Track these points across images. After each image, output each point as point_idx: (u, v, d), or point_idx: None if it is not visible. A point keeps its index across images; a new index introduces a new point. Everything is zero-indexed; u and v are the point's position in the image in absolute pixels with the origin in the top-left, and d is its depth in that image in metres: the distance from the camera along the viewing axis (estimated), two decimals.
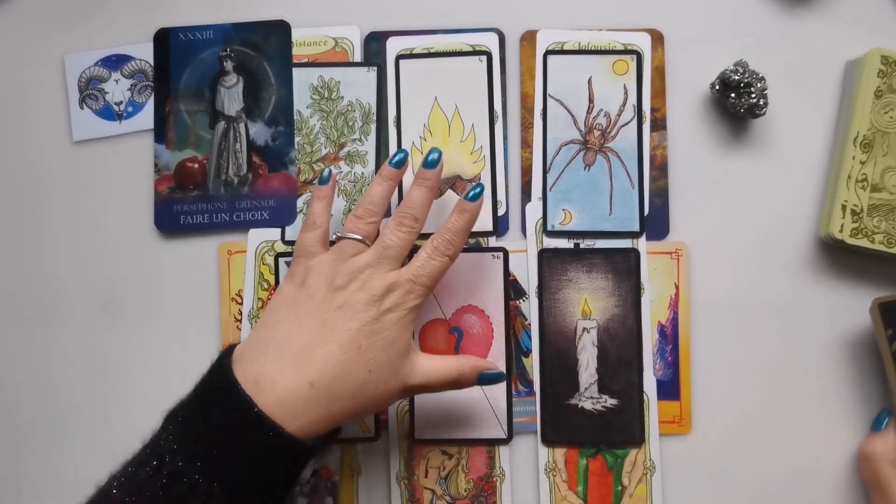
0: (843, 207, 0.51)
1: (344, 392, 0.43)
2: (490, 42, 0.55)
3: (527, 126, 0.55)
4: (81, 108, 0.56)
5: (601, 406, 0.53)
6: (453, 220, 0.48)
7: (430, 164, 0.49)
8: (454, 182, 0.54)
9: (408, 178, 0.53)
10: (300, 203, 0.55)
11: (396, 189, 0.51)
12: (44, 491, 0.55)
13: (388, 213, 0.51)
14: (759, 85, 0.52)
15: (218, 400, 0.42)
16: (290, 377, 0.42)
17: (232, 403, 0.41)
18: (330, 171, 0.50)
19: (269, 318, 0.46)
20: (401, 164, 0.50)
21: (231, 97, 0.55)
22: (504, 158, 0.55)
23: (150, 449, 0.41)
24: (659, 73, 0.55)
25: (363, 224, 0.48)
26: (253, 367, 0.43)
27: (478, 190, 0.48)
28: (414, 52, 0.55)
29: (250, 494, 0.41)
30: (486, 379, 0.49)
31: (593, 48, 0.55)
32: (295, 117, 0.55)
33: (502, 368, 0.53)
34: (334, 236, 0.49)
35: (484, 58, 0.55)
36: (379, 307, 0.44)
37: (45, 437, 0.55)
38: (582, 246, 0.54)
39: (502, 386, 0.53)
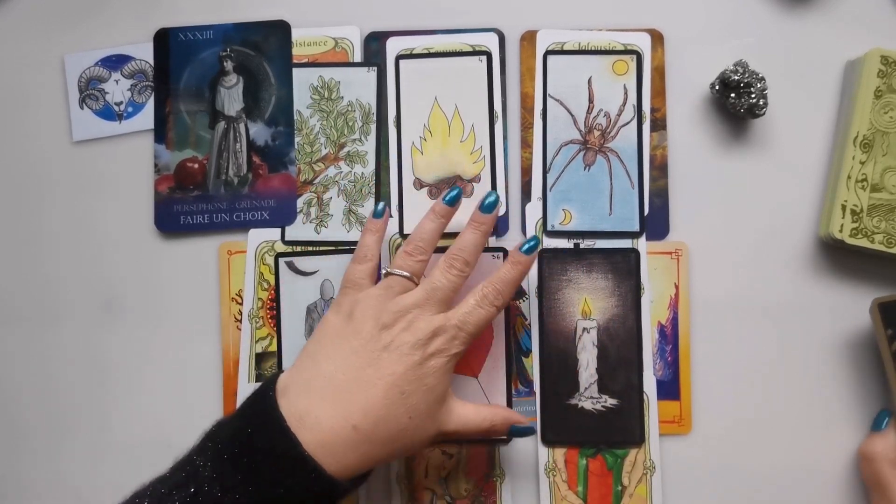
0: (843, 207, 0.51)
1: (384, 437, 0.43)
2: (490, 42, 0.55)
3: (527, 126, 0.55)
4: (81, 108, 0.56)
5: (601, 406, 0.53)
6: (506, 270, 0.48)
7: (488, 207, 0.49)
8: (454, 182, 0.54)
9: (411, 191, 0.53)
10: (300, 203, 0.55)
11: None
12: (43, 491, 0.55)
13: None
14: (759, 85, 0.52)
15: (262, 433, 0.41)
16: (335, 418, 0.42)
17: (276, 439, 0.41)
18: (385, 206, 0.50)
19: (315, 352, 0.45)
20: (454, 202, 0.49)
21: (231, 97, 0.55)
22: (504, 158, 0.55)
23: (187, 473, 0.40)
24: (659, 73, 0.55)
25: (412, 261, 0.47)
26: (298, 403, 0.42)
27: (530, 245, 0.48)
28: (414, 52, 0.55)
29: None
30: (516, 432, 0.49)
31: (593, 48, 0.55)
32: (295, 117, 0.55)
33: (502, 368, 0.53)
34: (383, 271, 0.48)
35: (484, 58, 0.55)
36: (424, 351, 0.44)
37: (45, 437, 0.55)
38: (582, 246, 0.54)
39: (502, 386, 0.53)
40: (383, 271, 0.48)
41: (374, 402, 0.42)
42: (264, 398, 0.43)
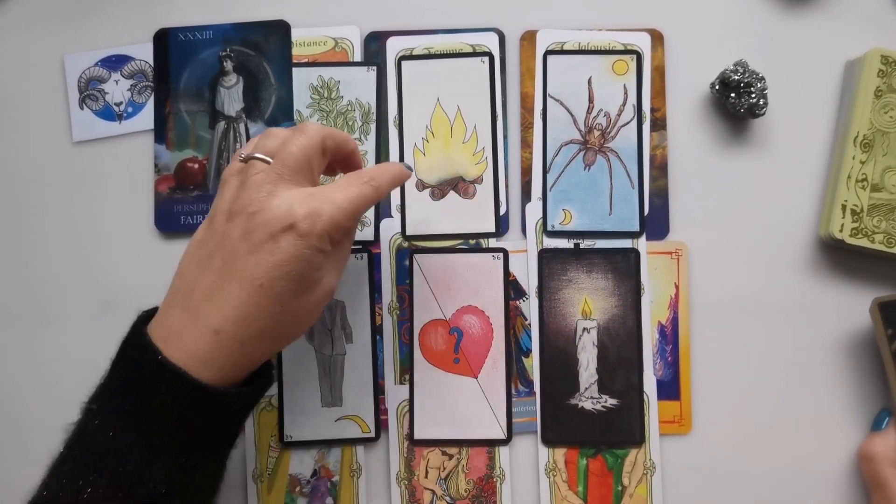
0: (843, 207, 0.51)
1: (255, 331, 0.39)
2: (490, 42, 0.55)
3: (527, 126, 0.55)
4: (81, 108, 0.56)
5: (601, 406, 0.53)
6: (382, 165, 0.46)
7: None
8: (456, 183, 0.54)
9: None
10: None
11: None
12: None
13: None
14: (759, 85, 0.52)
15: (129, 355, 0.41)
16: (194, 328, 0.39)
17: (138, 355, 0.40)
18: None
19: (181, 266, 0.42)
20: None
21: (231, 97, 0.55)
22: (504, 158, 0.55)
23: (81, 414, 0.41)
24: (659, 73, 0.55)
25: (270, 141, 0.42)
26: (163, 321, 0.41)
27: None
28: (414, 52, 0.55)
29: (171, 447, 0.39)
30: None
31: (593, 48, 0.55)
32: (295, 117, 0.55)
33: (502, 368, 0.53)
34: (239, 159, 0.43)
35: (486, 59, 0.55)
36: (271, 227, 0.39)
37: (44, 438, 0.55)
38: (582, 246, 0.54)
39: (502, 386, 0.53)
40: (240, 157, 0.43)
41: (232, 300, 0.39)
42: (133, 325, 0.42)
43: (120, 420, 0.39)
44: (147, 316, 0.43)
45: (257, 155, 0.42)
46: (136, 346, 0.40)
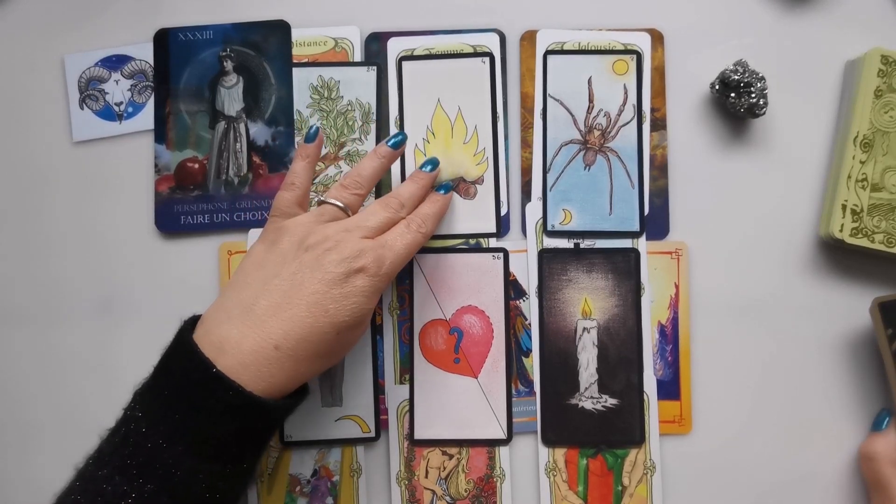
0: (843, 207, 0.51)
1: (310, 353, 0.43)
2: (490, 42, 0.55)
3: (527, 126, 0.55)
4: (81, 108, 0.56)
5: (601, 406, 0.53)
6: (426, 206, 0.50)
7: (428, 169, 0.52)
8: (457, 183, 0.54)
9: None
10: None
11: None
12: (47, 489, 0.55)
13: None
14: (759, 85, 0.52)
15: (179, 367, 0.42)
16: (255, 340, 0.42)
17: (192, 365, 0.41)
18: (317, 128, 0.50)
19: (236, 281, 0.45)
20: (398, 146, 0.51)
21: (231, 97, 0.55)
22: (504, 158, 0.55)
23: (119, 421, 0.41)
24: (659, 73, 0.55)
25: (348, 194, 0.48)
26: (218, 331, 0.42)
27: (445, 189, 0.52)
28: (415, 52, 0.55)
29: (218, 456, 0.41)
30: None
31: (593, 48, 0.55)
32: (295, 117, 0.55)
33: (503, 368, 0.53)
34: (317, 199, 0.49)
35: (487, 59, 0.55)
36: (349, 266, 0.44)
37: (49, 437, 0.55)
38: (582, 246, 0.54)
39: (503, 386, 0.53)
40: (316, 200, 0.48)
41: (297, 321, 0.42)
42: (181, 334, 0.43)
43: (170, 429, 0.40)
44: (192, 324, 0.44)
45: (333, 202, 0.47)
46: (187, 356, 0.42)
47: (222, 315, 0.43)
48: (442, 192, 0.51)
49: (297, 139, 0.55)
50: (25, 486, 0.55)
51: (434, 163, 0.52)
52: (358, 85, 0.55)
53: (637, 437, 0.53)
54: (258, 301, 0.43)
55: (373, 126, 0.55)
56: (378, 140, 0.55)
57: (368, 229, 0.46)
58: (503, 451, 0.53)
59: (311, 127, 0.51)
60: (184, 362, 0.42)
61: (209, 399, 0.40)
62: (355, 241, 0.45)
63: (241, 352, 0.41)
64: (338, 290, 0.43)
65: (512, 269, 0.54)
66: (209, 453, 0.40)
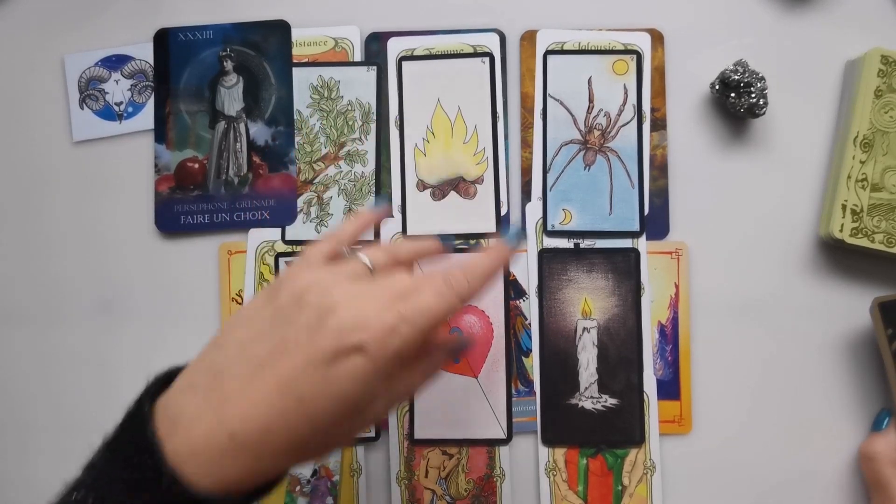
0: (843, 207, 0.51)
1: (274, 449, 0.33)
2: (490, 42, 0.55)
3: (527, 126, 0.55)
4: (82, 108, 0.56)
5: (601, 406, 0.53)
6: (479, 259, 0.38)
7: (514, 238, 0.41)
8: (457, 183, 0.54)
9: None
10: (300, 203, 0.55)
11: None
12: (46, 489, 0.55)
13: None
14: (759, 85, 0.52)
15: (127, 440, 0.34)
16: (210, 423, 0.33)
17: (138, 446, 0.33)
18: (390, 198, 0.45)
19: (218, 336, 0.36)
20: (514, 236, 0.41)
21: (231, 97, 0.55)
22: (504, 158, 0.55)
23: (68, 488, 0.35)
24: (659, 73, 0.55)
25: (382, 255, 0.38)
26: (177, 402, 0.34)
27: (515, 239, 0.40)
28: (415, 52, 0.55)
29: None
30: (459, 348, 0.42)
31: (593, 48, 0.55)
32: (295, 117, 0.55)
33: (503, 368, 0.53)
34: (345, 251, 0.39)
35: (486, 59, 0.55)
36: (340, 342, 0.33)
37: (46, 437, 0.55)
38: (582, 246, 0.54)
39: (503, 386, 0.53)
40: (346, 250, 0.39)
41: (261, 405, 0.33)
42: (142, 399, 0.35)
43: None
44: (158, 385, 0.36)
45: (361, 257, 0.37)
46: (137, 434, 0.34)
47: (187, 381, 0.35)
48: (510, 237, 0.40)
49: (298, 138, 0.55)
50: (25, 486, 0.55)
51: (517, 232, 0.41)
52: (358, 85, 0.55)
53: (637, 437, 0.53)
54: (228, 370, 0.34)
55: (373, 126, 0.55)
56: (378, 140, 0.55)
57: (392, 295, 0.35)
58: (503, 451, 0.53)
59: (384, 195, 0.44)
60: (132, 438, 0.34)
61: (153, 492, 0.32)
62: (362, 306, 0.34)
63: (191, 436, 0.33)
64: (320, 373, 0.33)
65: (512, 268, 0.54)
66: None
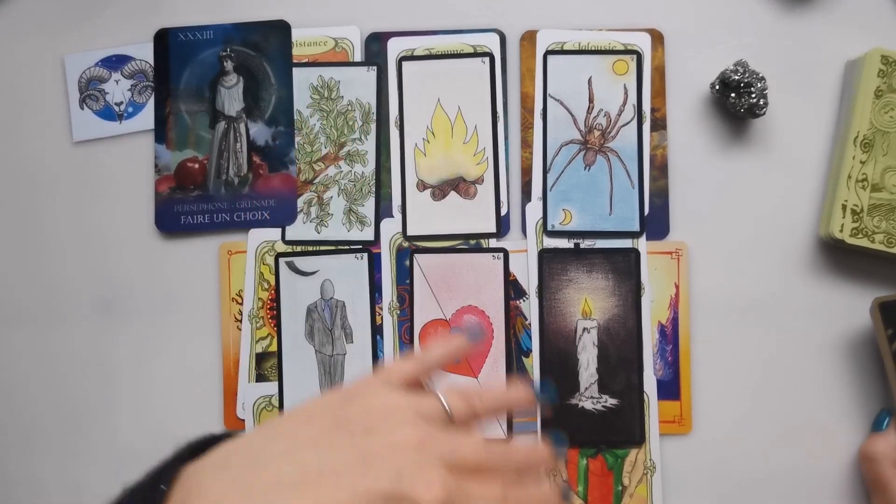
0: (844, 207, 0.51)
1: None
2: (491, 42, 0.55)
3: (527, 126, 0.55)
4: (82, 108, 0.56)
5: (601, 406, 0.53)
6: (539, 494, 0.35)
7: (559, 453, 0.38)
8: (457, 183, 0.54)
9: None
10: (300, 203, 0.55)
11: None
12: (48, 488, 0.55)
13: None
14: (759, 85, 0.52)
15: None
16: None
17: None
18: (482, 332, 0.42)
19: (272, 424, 0.34)
20: (547, 396, 0.40)
21: (231, 97, 0.55)
22: (504, 158, 0.55)
23: None
24: (659, 73, 0.55)
25: (464, 405, 0.35)
26: (204, 476, 0.31)
27: (562, 441, 0.38)
28: (415, 53, 0.55)
29: None
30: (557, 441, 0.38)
31: (593, 48, 0.55)
32: (295, 117, 0.55)
33: (503, 368, 0.53)
34: (426, 384, 0.38)
35: (486, 59, 0.55)
36: (398, 488, 0.30)
37: (49, 436, 0.55)
38: (582, 246, 0.54)
39: (502, 386, 0.53)
40: (426, 386, 0.38)
41: None
42: (174, 459, 0.33)
43: None
44: (190, 451, 0.34)
45: (442, 398, 0.35)
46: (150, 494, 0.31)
47: (223, 457, 0.32)
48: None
49: (298, 138, 0.55)
50: (26, 486, 0.55)
51: (563, 444, 0.38)
52: (358, 85, 0.55)
53: (637, 437, 0.53)
54: (270, 464, 0.31)
55: (373, 126, 0.55)
56: (378, 140, 0.55)
57: (457, 463, 0.32)
58: None
59: (477, 329, 0.42)
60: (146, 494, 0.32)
61: None
62: (430, 465, 0.31)
63: None
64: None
65: (512, 269, 0.54)
66: None
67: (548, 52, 0.55)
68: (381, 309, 0.54)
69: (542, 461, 0.36)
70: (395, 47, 0.55)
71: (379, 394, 0.34)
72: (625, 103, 0.55)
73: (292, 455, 0.31)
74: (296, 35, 0.55)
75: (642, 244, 0.54)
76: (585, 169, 0.54)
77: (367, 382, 0.35)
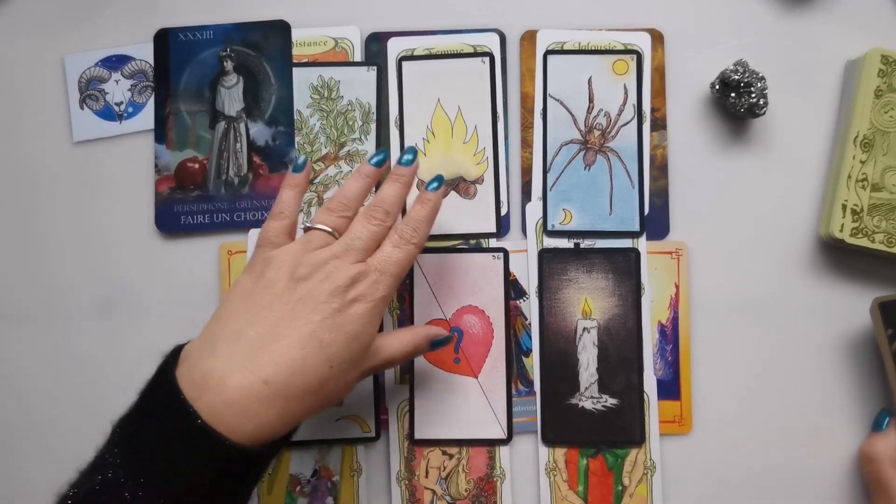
0: (844, 207, 0.51)
1: (301, 389, 0.40)
2: (491, 42, 0.55)
3: (527, 126, 0.55)
4: (82, 108, 0.56)
5: (601, 406, 0.53)
6: (416, 209, 0.47)
7: (406, 162, 0.48)
8: (457, 183, 0.54)
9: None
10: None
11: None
12: (45, 489, 0.55)
13: None
14: (759, 85, 0.52)
15: (160, 410, 0.39)
16: (242, 374, 0.39)
17: (174, 414, 0.38)
18: (306, 158, 0.49)
19: (222, 313, 0.42)
20: (380, 164, 0.48)
21: (231, 97, 0.55)
22: (504, 158, 0.55)
23: (97, 461, 0.39)
24: (659, 73, 0.55)
25: (334, 217, 0.46)
26: (201, 366, 0.40)
27: (436, 184, 0.48)
28: (415, 53, 0.55)
29: None
30: (436, 345, 0.49)
31: (593, 48, 0.55)
32: (295, 117, 0.55)
33: (503, 368, 0.53)
34: (302, 227, 0.47)
35: (486, 59, 0.55)
36: (343, 298, 0.42)
37: (46, 437, 0.55)
38: (582, 246, 0.54)
39: (502, 386, 0.53)
40: (302, 226, 0.46)
41: (288, 353, 0.39)
42: (163, 373, 0.40)
43: (149, 481, 0.37)
44: (174, 358, 0.41)
45: (321, 227, 0.45)
46: (169, 400, 0.39)
47: (206, 348, 0.41)
48: (433, 187, 0.48)
49: (298, 138, 0.55)
50: (26, 486, 0.55)
51: (412, 153, 0.48)
52: (358, 85, 0.55)
53: (637, 437, 0.53)
54: (246, 332, 0.40)
55: (373, 126, 0.55)
56: (378, 140, 0.55)
57: (358, 251, 0.44)
58: (503, 451, 0.53)
59: (299, 157, 0.49)
60: (165, 407, 0.39)
61: (194, 453, 0.38)
62: (346, 267, 0.42)
63: (226, 388, 0.38)
64: (332, 321, 0.41)
65: (512, 269, 0.54)
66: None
67: (548, 52, 0.55)
68: None
69: (436, 205, 0.47)
70: (395, 47, 0.55)
71: (281, 256, 0.43)
72: (625, 103, 0.55)
73: (256, 320, 0.41)
74: (296, 35, 0.55)
75: (642, 244, 0.54)
76: (585, 169, 0.54)
77: (263, 256, 0.44)
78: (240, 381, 0.39)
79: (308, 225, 0.45)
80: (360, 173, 0.48)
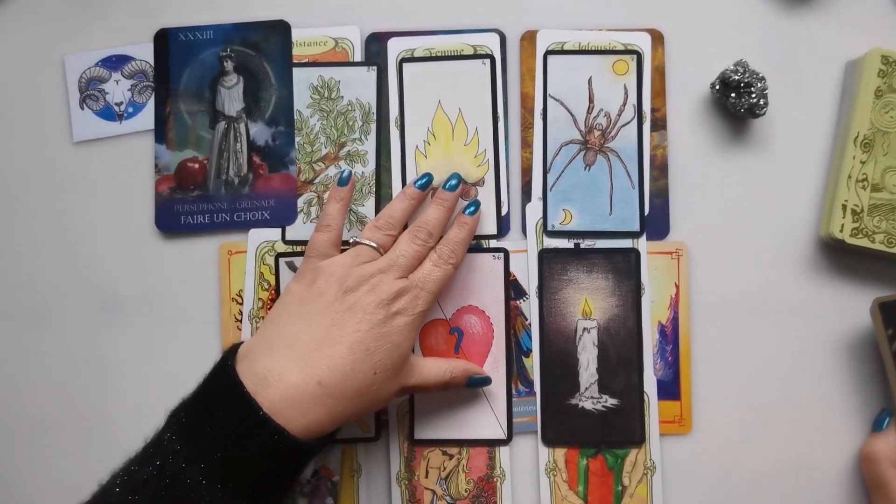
0: (844, 207, 0.51)
1: (350, 392, 0.44)
2: (491, 42, 0.55)
3: (527, 126, 0.55)
4: (82, 108, 0.56)
5: (601, 406, 0.53)
6: (454, 232, 0.50)
7: (450, 188, 0.51)
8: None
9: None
10: (301, 203, 0.55)
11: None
12: (43, 491, 0.55)
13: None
14: (759, 85, 0.52)
15: (222, 401, 0.42)
16: (299, 373, 0.43)
17: (236, 405, 0.42)
18: (350, 172, 0.52)
19: (277, 316, 0.46)
20: (424, 187, 0.52)
21: (231, 97, 0.55)
22: (505, 159, 0.55)
23: (154, 448, 0.41)
24: (659, 73, 0.55)
25: (381, 234, 0.49)
26: (260, 363, 0.43)
27: (473, 208, 0.51)
28: (415, 53, 0.55)
29: (254, 495, 0.41)
30: (474, 383, 0.52)
31: (593, 48, 0.55)
32: (295, 117, 0.55)
33: (503, 368, 0.53)
34: (351, 241, 0.50)
35: (487, 61, 0.55)
36: (387, 310, 0.46)
37: (46, 437, 0.55)
38: (582, 246, 0.54)
39: (502, 386, 0.53)
40: (351, 241, 0.50)
41: (339, 358, 0.43)
42: (223, 367, 0.44)
43: (210, 467, 0.40)
44: (232, 353, 0.45)
45: (368, 242, 0.49)
46: (231, 392, 0.42)
47: (265, 346, 0.44)
48: (469, 212, 0.51)
49: (298, 138, 0.55)
50: (27, 486, 0.55)
51: (456, 178, 0.52)
52: (358, 85, 0.55)
53: (637, 437, 0.53)
54: (300, 335, 0.44)
55: (373, 126, 0.55)
56: (378, 140, 0.55)
57: (402, 268, 0.48)
58: (503, 451, 0.53)
59: (345, 171, 0.52)
60: (227, 399, 0.42)
61: (254, 441, 0.41)
62: (391, 282, 0.47)
63: (285, 385, 0.42)
64: (377, 331, 0.45)
65: (512, 269, 0.54)
66: (246, 493, 0.41)
67: (548, 52, 0.55)
68: None
69: (473, 227, 0.52)
70: (395, 47, 0.55)
71: (331, 267, 0.47)
72: (625, 103, 0.55)
73: (309, 326, 0.45)
74: (296, 35, 0.55)
75: (642, 244, 0.54)
76: (585, 169, 0.54)
77: (312, 266, 0.48)
78: (296, 380, 0.42)
79: (356, 240, 0.49)
80: (406, 195, 0.51)
